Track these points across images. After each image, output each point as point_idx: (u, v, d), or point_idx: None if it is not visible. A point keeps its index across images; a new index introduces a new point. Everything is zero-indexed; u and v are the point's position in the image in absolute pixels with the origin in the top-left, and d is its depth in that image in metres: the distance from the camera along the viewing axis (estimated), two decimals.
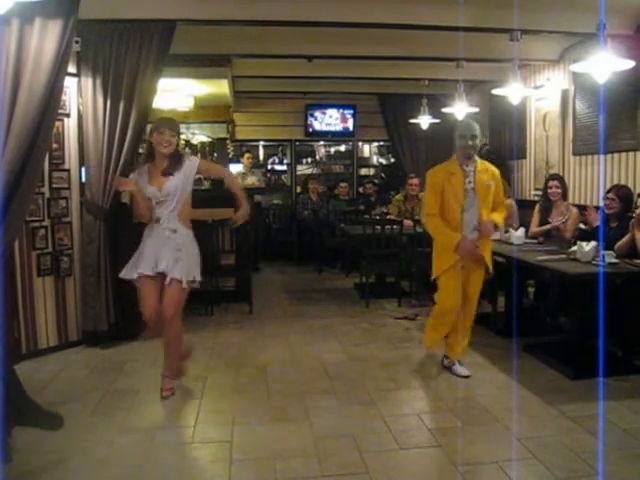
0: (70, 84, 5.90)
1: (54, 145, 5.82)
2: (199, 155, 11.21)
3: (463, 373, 5.26)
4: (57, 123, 5.74)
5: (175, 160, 4.62)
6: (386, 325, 6.95)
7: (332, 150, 13.21)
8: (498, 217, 5.23)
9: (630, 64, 4.88)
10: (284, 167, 12.95)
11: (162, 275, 4.58)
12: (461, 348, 5.37)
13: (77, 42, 5.74)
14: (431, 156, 10.63)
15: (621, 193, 5.80)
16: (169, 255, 4.57)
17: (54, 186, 5.91)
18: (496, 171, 5.24)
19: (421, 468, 3.72)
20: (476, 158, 5.16)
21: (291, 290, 9.06)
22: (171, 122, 4.70)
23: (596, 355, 4.84)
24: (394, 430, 4.16)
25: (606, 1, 4.41)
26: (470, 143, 5.02)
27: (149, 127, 4.70)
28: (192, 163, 4.70)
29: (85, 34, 5.82)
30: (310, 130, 12.21)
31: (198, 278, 4.70)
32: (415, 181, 8.88)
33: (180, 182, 4.59)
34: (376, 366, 5.54)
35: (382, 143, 12.99)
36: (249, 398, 4.79)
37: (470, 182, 5.07)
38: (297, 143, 12.59)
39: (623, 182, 6.53)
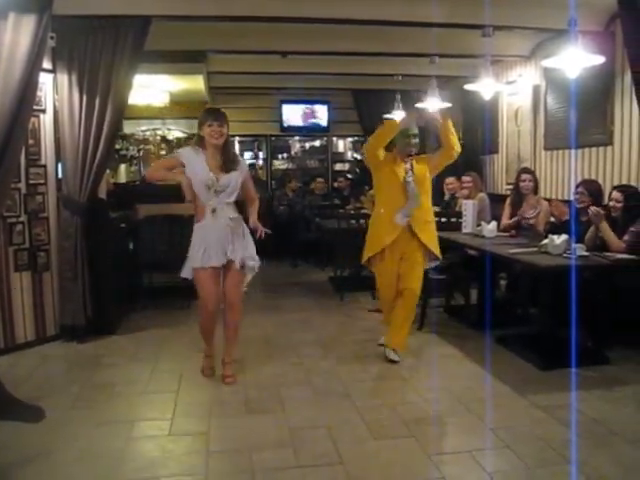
0: (46, 80, 5.89)
1: (30, 141, 5.81)
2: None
3: (390, 357, 5.44)
4: (33, 119, 5.73)
5: (233, 157, 4.82)
6: (360, 318, 7.01)
7: (307, 145, 13.24)
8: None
9: (600, 60, 4.96)
10: (260, 162, 12.97)
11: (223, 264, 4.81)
12: (396, 339, 5.50)
13: (52, 38, 5.73)
14: None
15: (591, 188, 5.93)
16: (233, 243, 4.77)
17: (31, 182, 5.90)
18: (425, 156, 5.63)
19: (395, 458, 3.76)
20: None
21: (267, 284, 9.07)
22: (218, 113, 4.76)
23: (566, 346, 4.93)
24: (368, 421, 4.22)
25: None
26: (413, 142, 5.43)
27: (198, 119, 4.76)
28: (244, 162, 5.01)
29: (60, 30, 5.81)
30: (285, 125, 12.25)
31: (256, 265, 4.97)
32: None
33: (237, 178, 4.76)
34: (350, 358, 5.60)
35: (356, 138, 13.04)
36: (226, 390, 4.83)
37: (410, 176, 5.40)
38: (272, 138, 12.63)
39: (594, 177, 6.65)
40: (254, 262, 4.93)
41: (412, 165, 5.44)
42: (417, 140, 5.46)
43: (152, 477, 3.53)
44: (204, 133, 4.68)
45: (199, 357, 5.49)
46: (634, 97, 5.21)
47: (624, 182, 6.21)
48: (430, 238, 5.48)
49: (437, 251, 5.50)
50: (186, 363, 5.48)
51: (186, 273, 4.88)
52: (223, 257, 4.76)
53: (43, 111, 5.98)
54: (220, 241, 4.73)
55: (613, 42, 6.43)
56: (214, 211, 4.72)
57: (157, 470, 3.61)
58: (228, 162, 4.75)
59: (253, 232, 4.90)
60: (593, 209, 5.47)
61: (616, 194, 5.61)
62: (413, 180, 5.39)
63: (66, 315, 6.09)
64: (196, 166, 4.67)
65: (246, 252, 4.85)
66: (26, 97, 4.96)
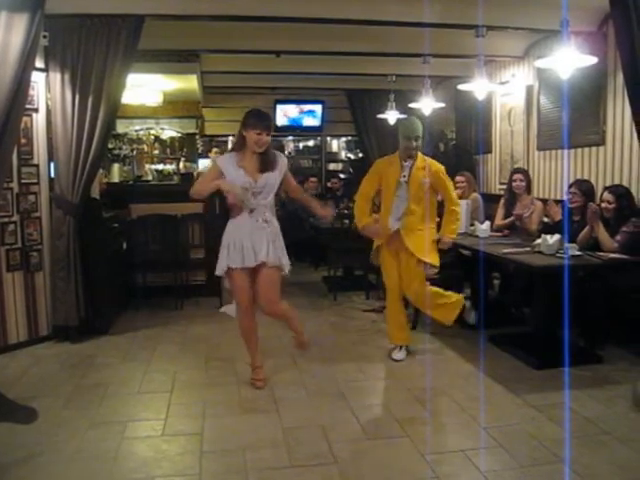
0: (38, 79, 5.88)
1: (22, 140, 5.79)
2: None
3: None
4: (25, 118, 5.72)
5: (271, 157, 4.74)
6: (354, 318, 7.02)
7: (300, 145, 13.22)
8: (451, 229, 5.51)
9: (593, 60, 4.97)
10: None
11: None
12: (444, 316, 5.56)
13: (45, 37, 5.72)
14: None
15: (583, 187, 5.95)
16: (266, 244, 4.72)
17: (23, 181, 5.88)
18: (437, 166, 5.47)
19: (389, 458, 3.77)
20: (419, 155, 5.44)
21: None
22: (267, 121, 4.71)
23: (559, 346, 4.96)
24: (362, 421, 4.23)
25: None
26: (414, 144, 5.33)
27: (243, 119, 4.69)
28: (283, 161, 4.84)
29: (53, 29, 5.80)
30: (278, 125, 12.24)
31: (287, 266, 4.88)
32: None
33: (275, 178, 4.75)
34: (344, 358, 5.61)
35: (350, 138, 13.03)
36: (219, 390, 4.83)
37: (405, 176, 5.38)
38: None
39: (586, 177, 6.66)
40: (286, 263, 4.89)
41: (411, 167, 5.37)
42: (419, 143, 5.35)
43: (146, 477, 3.53)
44: (248, 137, 4.63)
45: (192, 357, 5.51)
46: (626, 98, 5.22)
47: (616, 182, 6.22)
48: (417, 245, 5.35)
49: (427, 257, 5.37)
50: (180, 363, 5.48)
51: (220, 271, 4.88)
52: (254, 258, 4.70)
53: (35, 110, 5.97)
54: (253, 241, 4.70)
55: (605, 43, 6.43)
56: (252, 211, 4.72)
57: (151, 470, 3.60)
58: (267, 164, 4.71)
59: (320, 217, 5.11)
60: (592, 207, 5.49)
61: (607, 195, 5.63)
62: (406, 182, 5.37)
63: (59, 315, 6.07)
64: (232, 172, 4.64)
65: (276, 253, 4.78)
66: (18, 96, 4.94)
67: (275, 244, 4.77)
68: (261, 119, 4.67)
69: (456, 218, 5.53)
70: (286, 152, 13.04)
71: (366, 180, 5.63)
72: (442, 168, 5.49)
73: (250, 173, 4.66)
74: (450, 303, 5.51)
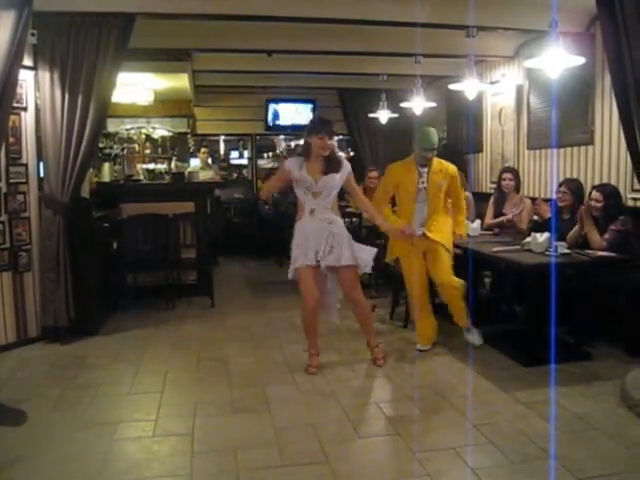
0: (27, 77, 5.86)
1: (11, 139, 5.77)
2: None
3: (476, 342, 5.74)
4: (14, 117, 5.69)
5: (334, 160, 5.08)
6: (346, 317, 6.96)
7: (292, 144, 13.20)
8: (460, 228, 5.79)
9: (581, 61, 4.99)
10: (245, 161, 12.96)
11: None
12: (461, 318, 5.74)
13: (33, 34, 5.69)
14: (390, 150, 10.73)
15: (572, 186, 5.98)
16: (334, 244, 5.02)
17: (11, 181, 5.85)
18: (452, 169, 5.70)
19: (380, 456, 3.79)
20: (435, 159, 5.61)
21: (252, 283, 9.11)
22: (330, 127, 5.07)
23: (549, 343, 4.96)
24: (353, 419, 4.23)
25: (558, 0, 4.52)
26: (430, 155, 5.53)
27: (307, 128, 5.07)
28: (347, 166, 5.12)
29: (41, 26, 5.76)
30: (270, 124, 12.24)
31: (368, 262, 5.13)
32: (374, 174, 8.92)
33: (336, 181, 5.04)
34: (335, 357, 5.61)
35: (342, 137, 13.02)
36: (210, 390, 4.82)
37: (423, 182, 5.57)
38: (257, 137, 12.61)
39: (575, 176, 6.70)
40: (364, 260, 5.11)
41: (428, 172, 5.56)
42: (434, 153, 5.56)
43: (137, 479, 3.52)
44: (313, 143, 4.97)
45: (183, 357, 5.49)
46: (614, 98, 5.25)
47: (605, 181, 6.27)
48: (445, 237, 5.63)
49: (450, 246, 5.67)
50: (171, 363, 5.47)
51: (290, 274, 5.17)
52: (314, 258, 5.00)
53: (24, 109, 5.94)
54: (316, 241, 5.00)
55: (593, 44, 6.49)
56: (312, 212, 5.03)
57: (141, 472, 3.59)
58: (330, 166, 5.01)
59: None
60: (584, 207, 5.54)
61: (596, 194, 5.65)
62: (425, 188, 5.56)
63: (48, 316, 6.04)
64: (297, 171, 4.98)
65: (347, 252, 5.02)
66: (6, 94, 4.92)
67: (347, 243, 5.05)
68: (323, 125, 5.05)
69: (463, 221, 5.87)
70: (278, 151, 13.06)
71: (382, 187, 5.82)
72: (457, 172, 5.77)
73: (312, 174, 4.98)
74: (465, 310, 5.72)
